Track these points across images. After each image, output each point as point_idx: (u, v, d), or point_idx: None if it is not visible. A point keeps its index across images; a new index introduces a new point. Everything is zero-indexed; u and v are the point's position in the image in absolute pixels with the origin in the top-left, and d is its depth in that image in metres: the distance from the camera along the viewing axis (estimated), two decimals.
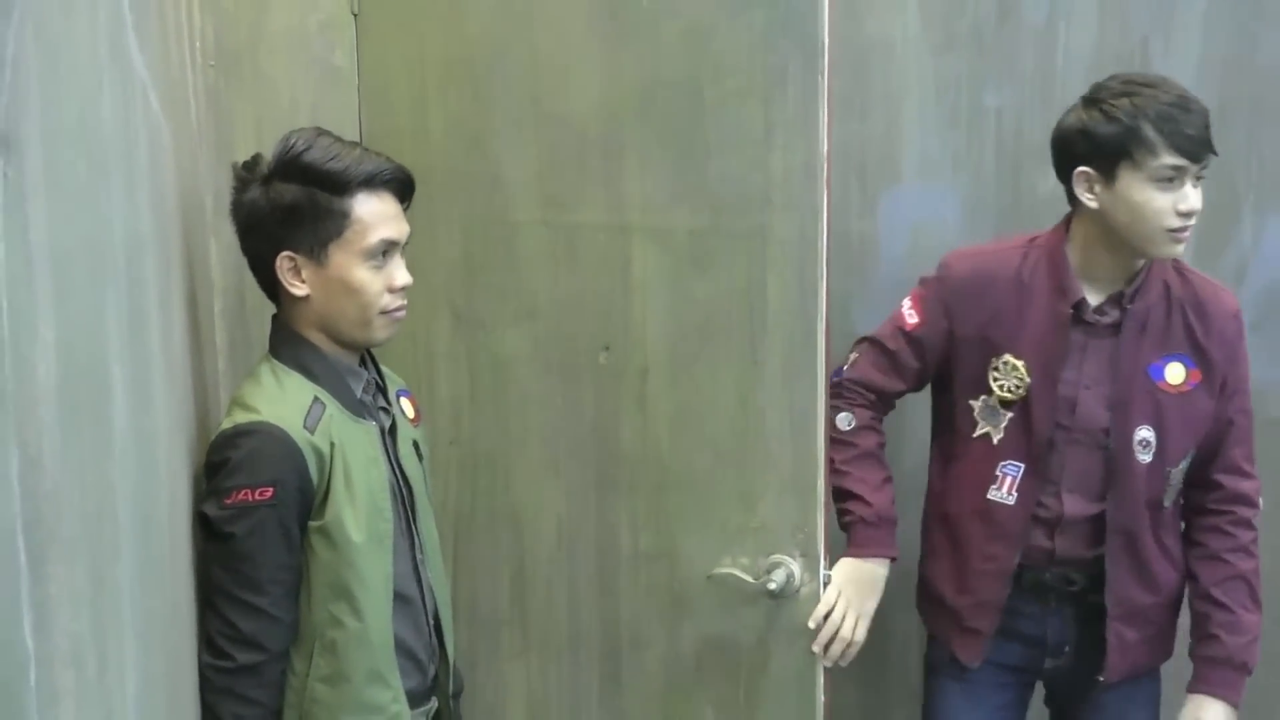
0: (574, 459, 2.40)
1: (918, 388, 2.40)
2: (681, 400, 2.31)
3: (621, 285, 2.32)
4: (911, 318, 2.32)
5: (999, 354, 2.25)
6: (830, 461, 2.25)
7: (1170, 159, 2.09)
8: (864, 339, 2.39)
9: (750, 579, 2.22)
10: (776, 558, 2.23)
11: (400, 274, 1.84)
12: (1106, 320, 2.22)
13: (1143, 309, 2.21)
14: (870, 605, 2.25)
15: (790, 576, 2.21)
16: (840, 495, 2.30)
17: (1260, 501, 2.31)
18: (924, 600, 2.45)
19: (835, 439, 2.31)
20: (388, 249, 1.83)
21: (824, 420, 2.21)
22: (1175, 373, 2.22)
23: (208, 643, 1.74)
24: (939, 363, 2.33)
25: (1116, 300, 2.22)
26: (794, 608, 2.25)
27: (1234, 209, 2.61)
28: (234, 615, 1.73)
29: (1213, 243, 2.58)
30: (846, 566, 2.25)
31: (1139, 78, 2.17)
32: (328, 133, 1.85)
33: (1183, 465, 2.26)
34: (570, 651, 2.47)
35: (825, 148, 2.17)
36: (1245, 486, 2.30)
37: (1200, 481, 2.30)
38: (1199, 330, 2.23)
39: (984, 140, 2.63)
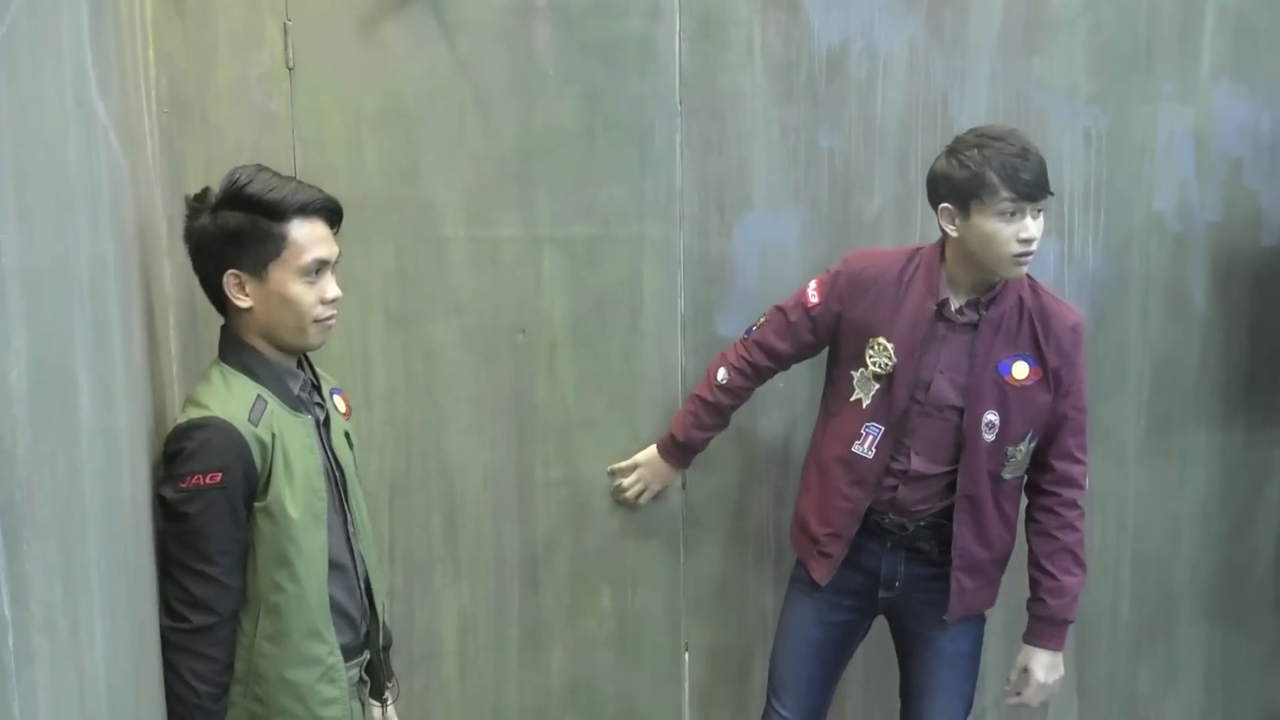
0: (497, 419, 2.57)
1: (809, 355, 2.45)
2: (583, 363, 2.58)
3: (534, 282, 2.54)
4: (813, 298, 2.38)
5: (875, 336, 2.30)
6: (698, 387, 2.54)
7: (1010, 198, 2.13)
8: (775, 307, 2.45)
9: None
10: None
11: (331, 288, 1.82)
12: (964, 320, 2.26)
13: (997, 315, 2.26)
14: (655, 488, 2.62)
15: None
16: (681, 414, 2.56)
17: (1086, 483, 2.37)
18: (794, 527, 2.50)
19: (708, 381, 2.52)
20: (320, 267, 1.80)
21: (682, 365, 2.60)
22: (1020, 369, 2.27)
23: (166, 608, 1.71)
24: (829, 339, 2.39)
25: (975, 305, 2.27)
26: (663, 502, 2.67)
27: None
28: (189, 583, 1.70)
29: None
30: (651, 454, 2.60)
31: (991, 131, 2.20)
32: (267, 169, 1.81)
33: (1021, 446, 2.31)
34: (495, 571, 2.62)
35: (679, 177, 2.52)
36: (1075, 471, 2.35)
37: (1040, 464, 2.36)
38: (1041, 337, 2.27)
39: (819, 175, 2.67)
